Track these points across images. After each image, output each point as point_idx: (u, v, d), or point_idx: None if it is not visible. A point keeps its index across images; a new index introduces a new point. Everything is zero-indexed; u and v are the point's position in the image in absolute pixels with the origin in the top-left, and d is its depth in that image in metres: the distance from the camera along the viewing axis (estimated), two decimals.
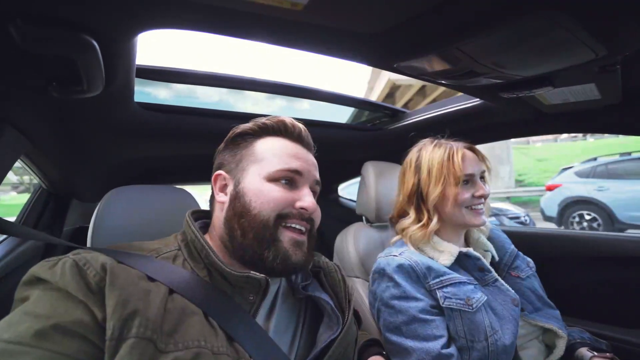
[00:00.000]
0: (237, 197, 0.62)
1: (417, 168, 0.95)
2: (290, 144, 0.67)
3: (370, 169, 1.25)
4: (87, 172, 1.13)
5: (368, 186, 1.23)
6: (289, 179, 0.63)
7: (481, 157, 0.95)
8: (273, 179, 0.62)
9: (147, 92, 1.01)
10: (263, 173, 0.62)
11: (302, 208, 0.62)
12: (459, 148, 0.92)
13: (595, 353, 0.86)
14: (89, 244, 0.77)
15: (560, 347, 0.88)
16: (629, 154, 5.55)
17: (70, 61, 0.48)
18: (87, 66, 0.50)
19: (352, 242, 1.18)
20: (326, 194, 2.09)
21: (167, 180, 1.52)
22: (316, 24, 0.51)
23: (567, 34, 0.50)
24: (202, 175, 1.56)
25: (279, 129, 0.67)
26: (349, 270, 1.16)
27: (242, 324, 0.55)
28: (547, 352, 0.92)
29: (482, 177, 0.95)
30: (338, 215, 2.03)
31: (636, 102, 0.93)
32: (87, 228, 1.70)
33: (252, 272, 0.57)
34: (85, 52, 0.47)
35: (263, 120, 0.67)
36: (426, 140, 0.99)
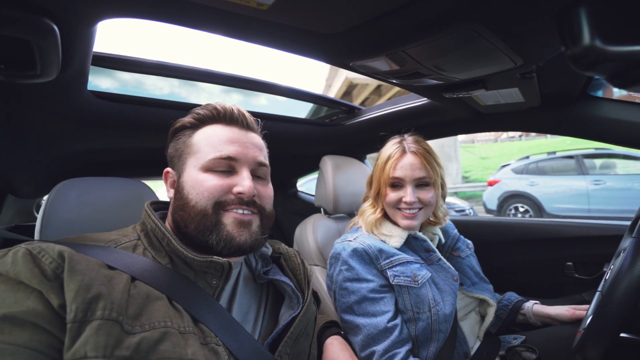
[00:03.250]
0: (178, 191, 0.64)
1: (376, 161, 1.04)
2: (223, 128, 0.66)
3: (328, 162, 1.32)
4: (29, 164, 1.04)
5: (326, 179, 1.29)
6: (225, 166, 0.63)
7: (426, 165, 0.94)
8: (208, 168, 0.62)
9: (89, 81, 0.94)
10: (198, 164, 0.63)
11: (239, 193, 0.62)
12: (402, 151, 0.95)
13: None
14: (37, 239, 0.73)
15: (490, 314, 1.02)
16: (554, 152, 6.26)
17: (24, 44, 0.46)
18: (44, 50, 0.48)
19: (311, 232, 1.23)
20: (285, 188, 2.12)
21: (118, 174, 1.45)
22: (279, 22, 0.55)
23: (489, 44, 0.59)
24: (158, 170, 1.50)
25: (213, 116, 0.67)
26: (308, 259, 1.21)
27: (206, 306, 0.57)
28: (481, 323, 1.06)
29: (428, 184, 0.95)
30: (297, 209, 2.07)
31: (551, 105, 1.09)
32: (25, 227, 1.56)
33: (215, 257, 0.59)
34: (44, 36, 0.46)
35: (197, 110, 0.68)
36: (396, 137, 1.03)
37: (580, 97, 1.06)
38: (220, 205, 0.61)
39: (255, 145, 0.69)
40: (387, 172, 0.94)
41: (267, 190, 0.70)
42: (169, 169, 0.70)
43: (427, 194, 0.94)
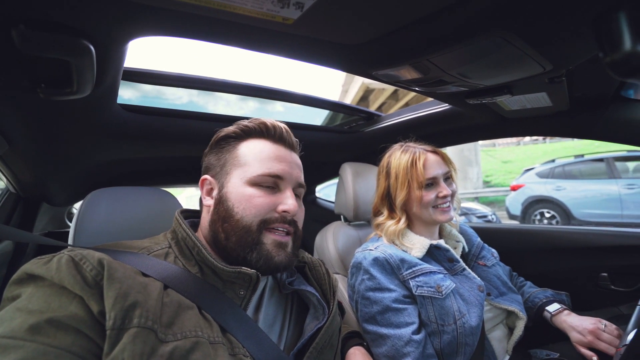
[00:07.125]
0: (220, 202, 0.64)
1: (387, 173, 1.03)
2: (272, 145, 0.67)
3: (347, 169, 1.31)
4: (62, 174, 1.10)
5: (346, 186, 1.29)
6: (271, 182, 0.64)
7: (446, 160, 1.01)
8: (255, 183, 0.63)
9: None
10: (245, 177, 0.63)
11: (284, 211, 0.63)
12: (422, 153, 0.98)
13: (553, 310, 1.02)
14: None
15: (520, 327, 0.97)
16: (582, 156, 6.00)
17: (63, 63, 0.49)
18: (80, 69, 0.51)
19: (331, 240, 1.23)
20: (304, 195, 2.12)
21: (145, 183, 1.50)
22: (304, 36, 0.55)
23: (518, 50, 0.58)
24: (183, 178, 1.54)
25: (261, 131, 0.68)
26: (329, 267, 1.20)
27: (234, 317, 0.58)
28: (510, 335, 1.01)
29: (449, 177, 1.01)
30: (316, 216, 2.07)
31: (581, 109, 1.05)
32: (58, 233, 1.63)
33: (243, 267, 0.60)
34: (82, 56, 0.48)
35: (245, 122, 0.69)
36: (396, 146, 1.06)
37: (613, 99, 1.01)
38: (264, 223, 0.62)
39: (298, 165, 0.71)
40: (421, 175, 0.95)
41: (302, 211, 0.71)
42: (207, 176, 0.68)
43: (452, 185, 1.00)
